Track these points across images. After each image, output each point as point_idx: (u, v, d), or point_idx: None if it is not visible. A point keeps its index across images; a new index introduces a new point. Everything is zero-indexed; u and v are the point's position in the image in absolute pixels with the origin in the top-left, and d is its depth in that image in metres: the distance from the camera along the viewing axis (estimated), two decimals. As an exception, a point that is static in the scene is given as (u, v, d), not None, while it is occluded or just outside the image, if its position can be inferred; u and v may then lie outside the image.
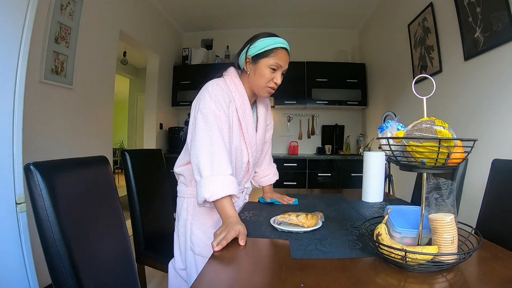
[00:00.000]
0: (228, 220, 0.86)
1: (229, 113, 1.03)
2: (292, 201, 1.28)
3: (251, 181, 1.33)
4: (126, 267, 0.94)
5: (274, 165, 1.43)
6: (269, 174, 1.39)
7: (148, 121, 3.66)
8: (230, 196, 0.91)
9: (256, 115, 1.23)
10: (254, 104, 1.23)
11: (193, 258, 1.08)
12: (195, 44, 4.22)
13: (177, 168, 1.17)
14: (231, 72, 1.12)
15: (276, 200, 1.29)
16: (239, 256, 0.73)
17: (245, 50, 1.08)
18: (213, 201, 0.90)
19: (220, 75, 1.13)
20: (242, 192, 1.25)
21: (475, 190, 1.37)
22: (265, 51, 1.03)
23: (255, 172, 1.38)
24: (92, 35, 2.29)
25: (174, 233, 1.19)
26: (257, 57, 1.05)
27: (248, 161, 1.15)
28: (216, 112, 0.98)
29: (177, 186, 1.20)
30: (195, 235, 1.08)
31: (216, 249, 0.74)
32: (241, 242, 0.78)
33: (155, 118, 3.62)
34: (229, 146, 1.02)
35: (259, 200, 1.31)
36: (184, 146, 1.15)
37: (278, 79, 1.06)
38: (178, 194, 1.19)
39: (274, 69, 1.05)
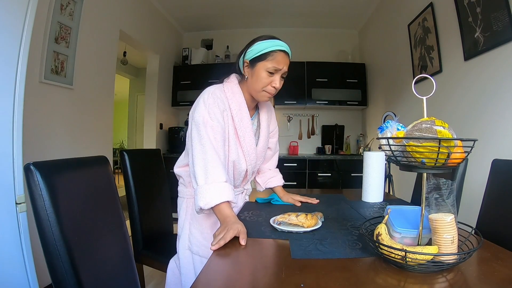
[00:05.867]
0: (226, 220, 0.86)
1: (223, 121, 1.03)
2: (315, 201, 1.25)
3: (251, 183, 1.33)
4: (126, 267, 0.94)
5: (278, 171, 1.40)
6: (277, 176, 1.35)
7: (148, 121, 3.65)
8: (226, 202, 0.92)
9: (258, 122, 1.21)
10: (256, 110, 1.21)
11: (191, 257, 1.10)
12: (195, 44, 4.22)
13: (176, 169, 1.20)
14: (232, 80, 1.11)
15: (282, 200, 1.28)
16: (239, 256, 0.73)
17: (243, 54, 1.07)
18: (209, 208, 0.91)
19: (221, 81, 1.13)
20: (242, 193, 1.25)
21: (475, 190, 1.37)
22: (261, 54, 1.00)
23: (258, 174, 1.37)
24: (92, 35, 2.29)
25: (178, 231, 1.20)
26: (255, 61, 1.02)
27: (246, 169, 1.14)
28: (208, 122, 0.99)
29: (178, 187, 1.22)
30: (193, 235, 1.11)
31: (213, 248, 0.74)
32: (242, 242, 0.77)
33: (155, 118, 3.62)
34: (223, 155, 1.01)
35: (256, 201, 1.31)
36: (185, 148, 1.15)
37: (277, 83, 1.03)
38: (178, 194, 1.21)
39: (271, 73, 1.01)
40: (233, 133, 1.07)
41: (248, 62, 1.05)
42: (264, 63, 1.01)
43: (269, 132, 1.24)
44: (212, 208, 0.91)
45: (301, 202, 1.26)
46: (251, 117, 1.15)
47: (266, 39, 1.02)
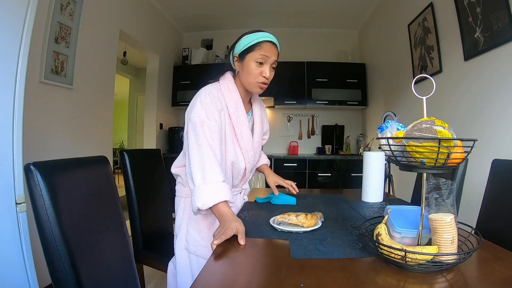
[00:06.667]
0: (224, 219, 0.86)
1: (220, 121, 1.03)
2: (295, 191, 1.35)
3: (249, 182, 1.33)
4: (126, 267, 0.94)
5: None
6: (261, 155, 1.40)
7: (148, 121, 3.66)
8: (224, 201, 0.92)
9: (252, 118, 1.23)
10: (250, 107, 1.23)
11: (188, 257, 1.10)
12: (195, 44, 4.22)
13: (174, 169, 1.20)
14: (227, 77, 1.13)
15: (268, 182, 1.34)
16: (238, 256, 0.73)
17: (232, 50, 1.10)
18: (207, 209, 0.91)
19: (217, 80, 1.14)
20: (241, 193, 1.25)
21: (475, 190, 1.37)
22: (249, 46, 1.04)
23: None
24: (92, 35, 2.29)
25: (175, 230, 1.20)
26: (243, 54, 1.05)
27: (245, 167, 1.15)
28: (206, 121, 0.98)
29: (175, 186, 1.22)
30: (190, 235, 1.10)
31: (215, 242, 0.74)
32: (241, 242, 0.77)
33: (155, 118, 3.62)
34: (220, 155, 1.01)
35: (255, 201, 1.31)
36: (183, 149, 1.15)
37: (267, 72, 1.05)
38: (176, 194, 1.21)
39: (260, 63, 1.04)
40: (230, 132, 1.08)
41: (237, 56, 1.08)
42: (252, 54, 1.04)
43: (262, 127, 1.27)
44: (210, 208, 0.91)
45: (291, 194, 1.35)
46: (247, 113, 1.16)
47: (253, 32, 1.06)
